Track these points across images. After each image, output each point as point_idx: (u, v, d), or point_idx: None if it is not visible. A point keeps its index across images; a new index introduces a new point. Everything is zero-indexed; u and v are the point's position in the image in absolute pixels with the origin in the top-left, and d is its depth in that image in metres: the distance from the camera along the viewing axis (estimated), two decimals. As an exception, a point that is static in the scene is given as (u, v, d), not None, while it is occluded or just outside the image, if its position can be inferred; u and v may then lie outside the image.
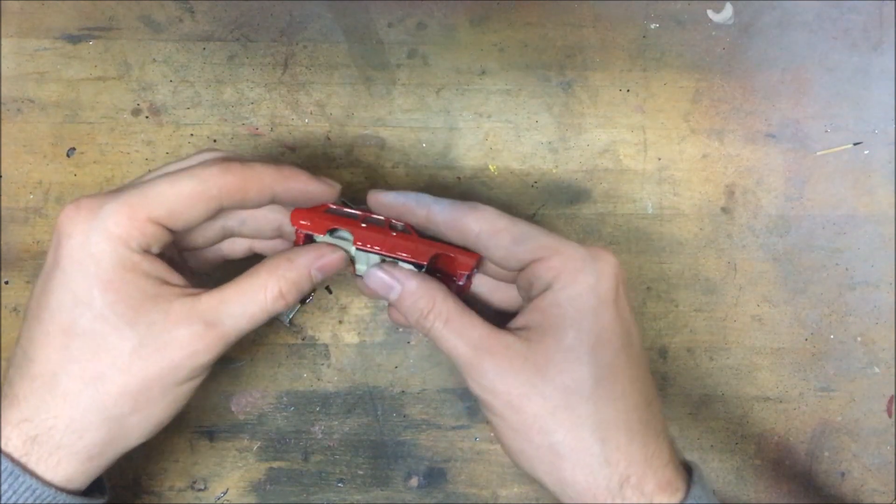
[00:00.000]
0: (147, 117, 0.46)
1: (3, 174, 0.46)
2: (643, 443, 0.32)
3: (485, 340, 0.33)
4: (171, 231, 0.32)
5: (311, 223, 0.36)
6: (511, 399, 0.32)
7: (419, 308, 0.35)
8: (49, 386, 0.31)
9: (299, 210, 0.36)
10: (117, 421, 0.31)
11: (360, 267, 0.37)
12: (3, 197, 0.45)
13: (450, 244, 0.36)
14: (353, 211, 0.37)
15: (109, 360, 0.31)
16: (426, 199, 0.36)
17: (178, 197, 0.32)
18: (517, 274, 0.36)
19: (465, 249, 0.36)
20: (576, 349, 0.32)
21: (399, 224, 0.37)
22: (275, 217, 0.37)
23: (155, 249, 0.32)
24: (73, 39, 0.46)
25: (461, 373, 0.34)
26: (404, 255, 0.36)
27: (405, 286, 0.35)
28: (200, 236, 0.37)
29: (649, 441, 0.32)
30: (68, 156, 0.46)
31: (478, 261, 0.37)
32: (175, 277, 0.33)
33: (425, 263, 0.36)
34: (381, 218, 0.37)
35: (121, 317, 0.31)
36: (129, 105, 0.46)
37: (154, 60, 0.46)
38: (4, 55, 0.46)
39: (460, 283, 0.37)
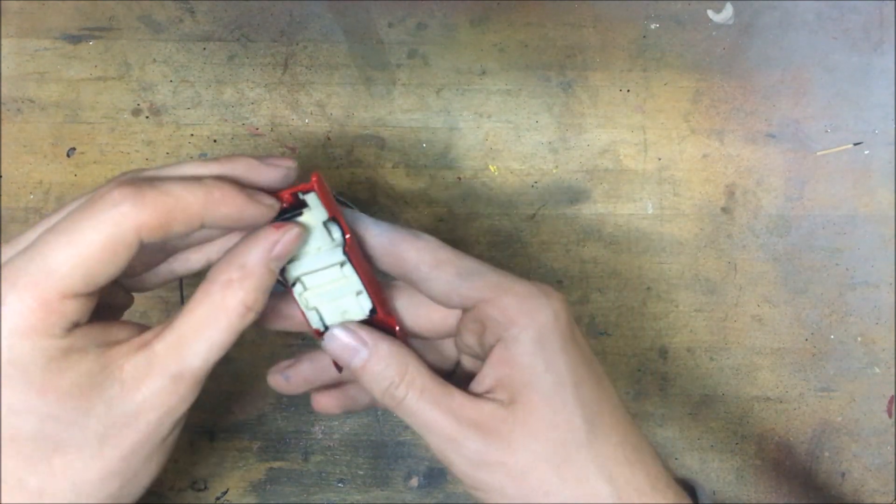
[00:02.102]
0: (147, 117, 0.46)
1: (3, 174, 0.46)
2: (644, 471, 0.30)
3: (466, 411, 0.30)
4: (93, 292, 0.27)
5: (323, 185, 0.31)
6: (509, 471, 0.29)
7: (389, 376, 0.30)
8: (18, 489, 0.26)
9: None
10: (108, 500, 0.28)
11: (311, 299, 0.32)
12: (3, 197, 0.45)
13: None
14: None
15: (76, 453, 0.27)
16: (364, 219, 0.32)
17: (88, 258, 0.25)
18: (456, 322, 0.33)
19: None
20: (560, 395, 0.30)
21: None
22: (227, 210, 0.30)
23: (83, 319, 0.27)
24: (74, 39, 0.46)
25: (440, 451, 0.30)
26: (372, 294, 0.32)
27: (374, 350, 0.31)
28: (138, 265, 0.31)
29: (648, 466, 0.31)
30: (68, 156, 0.46)
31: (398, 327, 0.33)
32: (116, 331, 0.28)
33: (371, 308, 0.32)
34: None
35: (71, 411, 0.26)
36: (130, 105, 0.46)
37: (154, 60, 0.46)
38: (4, 55, 0.46)
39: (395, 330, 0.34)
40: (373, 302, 0.32)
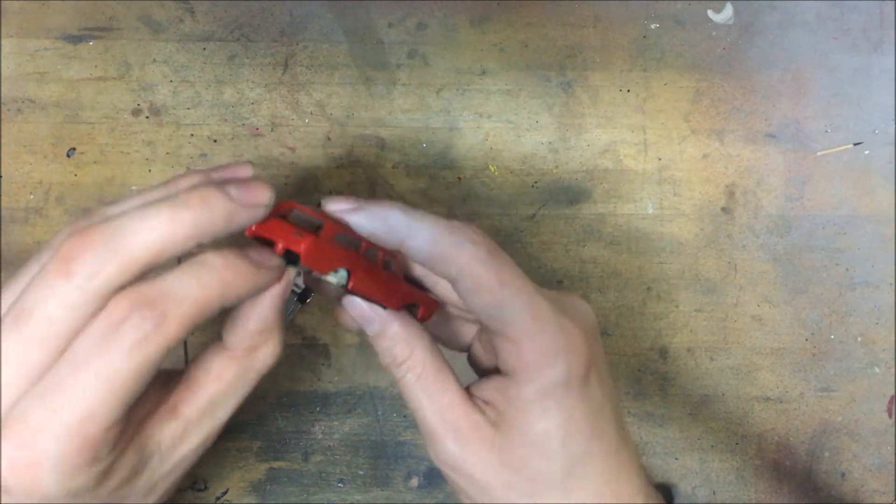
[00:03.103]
0: (147, 117, 0.46)
1: (3, 174, 0.46)
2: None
3: (453, 413, 0.30)
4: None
5: (313, 253, 0.29)
6: (475, 480, 0.30)
7: (394, 354, 0.31)
8: None
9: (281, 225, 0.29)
10: None
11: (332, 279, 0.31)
12: (3, 197, 0.45)
13: (419, 288, 0.33)
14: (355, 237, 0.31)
15: None
16: (399, 227, 0.29)
17: (122, 388, 0.24)
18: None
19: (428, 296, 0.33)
20: (543, 444, 0.29)
21: (391, 262, 0.33)
22: None
23: (121, 432, 0.26)
24: (74, 39, 0.46)
25: (423, 435, 0.31)
26: (380, 300, 0.32)
27: (385, 326, 0.32)
28: None
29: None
30: (68, 156, 0.46)
31: (437, 309, 0.34)
32: (144, 400, 0.28)
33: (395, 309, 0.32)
34: (377, 249, 0.32)
35: (119, 495, 0.27)
36: (130, 105, 0.46)
37: (154, 60, 0.46)
38: (4, 55, 0.46)
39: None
40: (382, 305, 0.32)
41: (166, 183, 0.28)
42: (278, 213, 0.29)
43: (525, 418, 0.30)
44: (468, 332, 0.36)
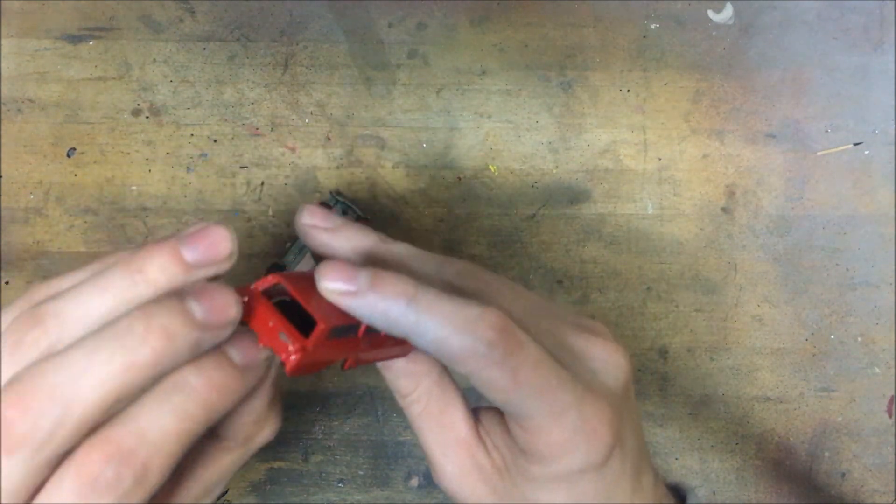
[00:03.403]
0: (147, 117, 0.46)
1: (3, 174, 0.46)
2: None
3: (458, 452, 0.29)
4: None
5: (304, 365, 0.25)
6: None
7: (398, 386, 0.29)
8: None
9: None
10: None
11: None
12: (3, 197, 0.45)
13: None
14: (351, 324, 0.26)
15: None
16: (403, 323, 0.25)
17: None
18: None
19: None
20: None
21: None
22: None
23: None
24: (74, 39, 0.46)
25: (426, 458, 0.30)
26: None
27: (388, 363, 0.30)
28: None
29: None
30: (68, 156, 0.46)
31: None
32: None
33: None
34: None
35: None
36: (130, 105, 0.46)
37: (154, 60, 0.46)
38: (4, 55, 0.46)
39: None
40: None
41: (127, 263, 0.23)
42: (263, 286, 0.25)
43: (531, 488, 0.28)
44: None
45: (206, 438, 0.27)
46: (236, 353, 0.23)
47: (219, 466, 0.28)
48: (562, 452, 0.27)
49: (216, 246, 0.24)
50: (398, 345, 0.28)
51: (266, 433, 0.29)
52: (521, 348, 0.26)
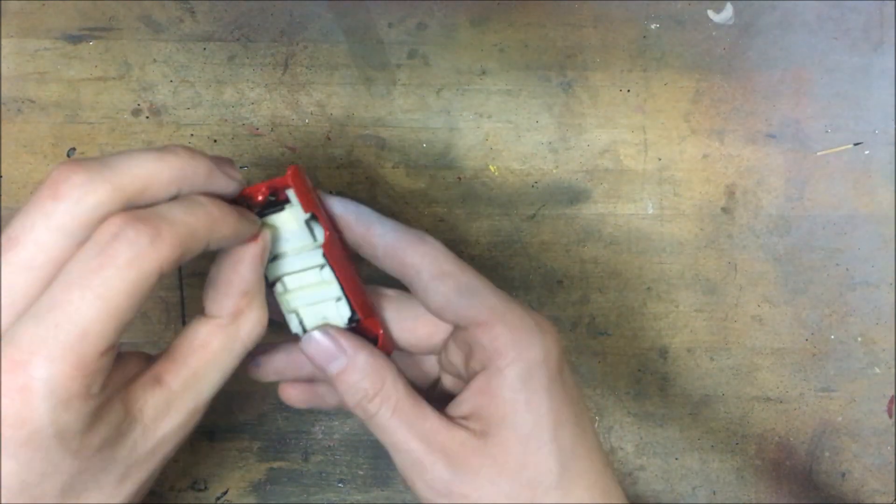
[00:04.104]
0: (147, 117, 0.46)
1: (3, 174, 0.46)
2: None
3: (439, 437, 0.29)
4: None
5: (300, 178, 0.30)
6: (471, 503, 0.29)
7: (364, 388, 0.30)
8: None
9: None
10: None
11: (289, 298, 0.31)
12: (3, 197, 0.45)
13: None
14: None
15: (97, 494, 0.26)
16: (368, 214, 0.31)
17: (118, 308, 0.24)
18: (442, 339, 0.32)
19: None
20: (537, 437, 0.29)
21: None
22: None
23: (111, 367, 0.25)
24: (74, 39, 0.46)
25: (405, 473, 0.30)
26: (355, 303, 0.30)
27: (352, 360, 0.30)
28: None
29: None
30: (68, 156, 0.46)
31: (393, 346, 0.33)
32: (128, 366, 0.27)
33: (359, 318, 0.30)
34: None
35: (99, 462, 0.25)
36: (130, 105, 0.46)
37: (154, 61, 0.46)
38: (4, 55, 0.46)
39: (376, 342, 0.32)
40: (352, 309, 0.31)
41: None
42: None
43: (514, 411, 0.29)
44: (430, 369, 0.35)
45: (197, 320, 0.29)
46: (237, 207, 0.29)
47: (209, 348, 0.28)
48: (523, 340, 0.29)
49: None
50: (357, 280, 0.31)
51: (253, 317, 0.29)
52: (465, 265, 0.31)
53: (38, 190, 0.24)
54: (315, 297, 0.31)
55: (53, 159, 0.46)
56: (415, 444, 0.29)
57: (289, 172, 0.29)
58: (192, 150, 0.27)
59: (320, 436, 0.45)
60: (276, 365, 0.34)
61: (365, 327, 0.31)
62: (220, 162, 0.28)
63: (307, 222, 0.30)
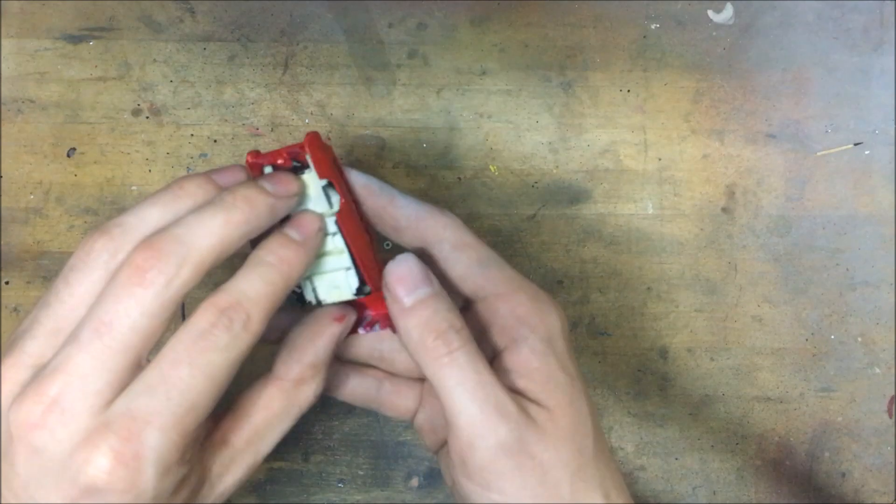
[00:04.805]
0: (147, 117, 0.46)
1: (3, 174, 0.46)
2: (627, 499, 0.31)
3: (507, 393, 0.28)
4: None
5: (318, 144, 0.30)
6: (535, 465, 0.28)
7: (449, 320, 0.29)
8: None
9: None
10: None
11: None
12: (3, 197, 0.45)
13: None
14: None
15: None
16: (390, 189, 0.32)
17: (215, 383, 0.26)
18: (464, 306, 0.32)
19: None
20: (577, 400, 0.29)
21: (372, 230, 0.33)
22: None
23: None
24: (74, 40, 0.46)
25: (473, 424, 0.28)
26: (364, 270, 0.30)
27: (440, 291, 0.29)
28: None
29: (629, 497, 0.31)
30: (69, 156, 0.46)
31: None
32: (200, 427, 0.28)
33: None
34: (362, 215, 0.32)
35: None
36: (130, 105, 0.46)
37: (154, 61, 0.46)
38: (4, 55, 0.46)
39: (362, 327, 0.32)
40: (361, 279, 0.30)
41: (169, 186, 0.29)
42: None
43: (550, 374, 0.29)
44: (412, 395, 0.35)
45: (262, 379, 0.30)
46: (294, 232, 0.29)
47: (271, 408, 0.29)
48: (543, 310, 0.30)
49: (237, 175, 0.30)
50: (371, 249, 0.31)
51: (313, 386, 0.30)
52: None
53: (121, 272, 0.26)
54: (327, 266, 0.31)
55: (53, 159, 0.46)
56: (499, 389, 0.28)
57: (306, 138, 0.30)
58: (249, 197, 0.27)
59: (320, 436, 0.45)
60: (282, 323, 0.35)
61: (371, 303, 0.31)
62: (274, 184, 0.29)
63: (324, 189, 0.31)
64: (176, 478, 0.25)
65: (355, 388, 0.34)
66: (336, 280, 0.31)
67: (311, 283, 0.32)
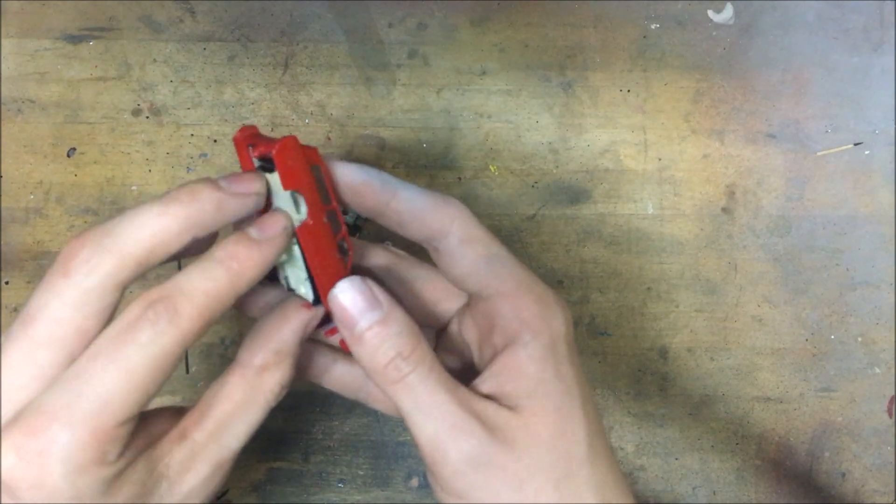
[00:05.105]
0: (147, 117, 0.46)
1: (3, 174, 0.46)
2: (626, 494, 0.30)
3: (472, 403, 0.28)
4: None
5: (289, 151, 0.28)
6: (507, 477, 0.28)
7: (398, 346, 0.28)
8: None
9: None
10: None
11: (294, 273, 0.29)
12: (3, 197, 0.45)
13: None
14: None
15: None
16: (393, 181, 0.30)
17: (140, 382, 0.24)
18: (450, 307, 0.32)
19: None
20: (568, 408, 0.28)
21: (346, 248, 0.31)
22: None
23: (130, 436, 0.26)
24: (74, 39, 0.46)
25: (436, 441, 0.28)
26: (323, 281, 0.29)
27: (390, 313, 0.28)
28: None
29: (631, 498, 0.30)
30: (69, 156, 0.46)
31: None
32: (155, 424, 0.27)
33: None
34: (339, 224, 0.30)
35: None
36: (130, 105, 0.46)
37: (154, 61, 0.46)
38: (4, 55, 0.46)
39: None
40: (316, 294, 0.29)
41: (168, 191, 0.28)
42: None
43: (545, 382, 0.28)
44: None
45: (226, 370, 0.29)
46: (255, 230, 0.27)
47: (232, 398, 0.28)
48: (549, 313, 0.29)
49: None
50: (335, 261, 0.29)
51: (277, 375, 0.29)
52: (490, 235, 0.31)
53: (50, 268, 0.25)
54: (293, 268, 0.30)
55: (53, 159, 0.46)
56: (451, 407, 0.28)
57: (277, 144, 0.28)
58: (194, 189, 0.26)
59: (320, 436, 0.45)
60: (268, 299, 0.34)
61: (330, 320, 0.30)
62: (231, 181, 0.27)
63: (293, 195, 0.29)
64: (99, 478, 0.24)
65: (343, 374, 0.33)
66: (302, 276, 0.30)
67: (284, 269, 0.31)
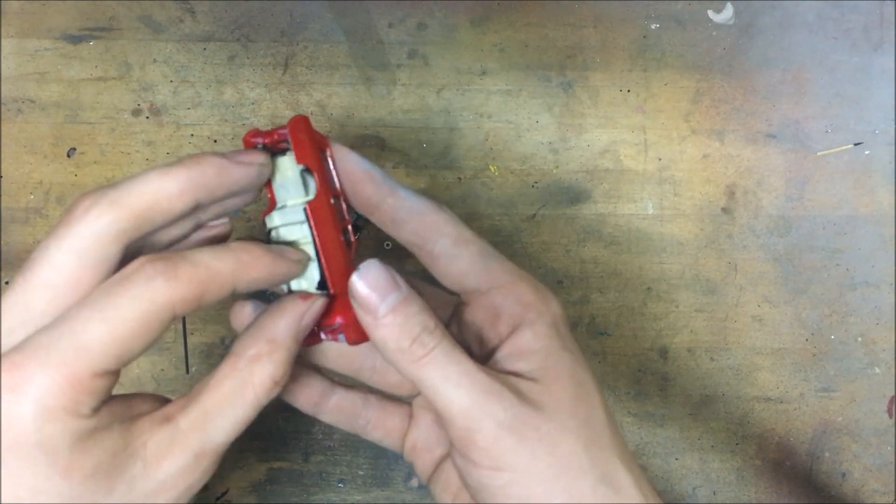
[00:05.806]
0: (148, 118, 0.46)
1: (3, 174, 0.46)
2: (643, 475, 0.30)
3: (494, 376, 0.28)
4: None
5: (302, 128, 0.29)
6: (542, 437, 0.28)
7: (422, 322, 0.28)
8: None
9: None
10: None
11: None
12: (3, 197, 0.45)
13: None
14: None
15: None
16: (392, 180, 0.31)
17: (122, 335, 0.24)
18: (461, 307, 0.32)
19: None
20: (581, 377, 0.29)
21: (349, 234, 0.31)
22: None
23: (109, 394, 0.25)
24: (74, 39, 0.46)
25: (469, 411, 0.27)
26: (327, 271, 0.29)
27: (409, 293, 0.28)
28: (165, 237, 0.29)
29: (642, 470, 0.31)
30: (69, 156, 0.46)
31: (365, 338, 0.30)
32: (139, 404, 0.27)
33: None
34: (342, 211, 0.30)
35: (93, 492, 0.25)
36: (130, 105, 0.46)
37: (154, 61, 0.46)
38: (5, 55, 0.46)
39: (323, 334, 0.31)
40: (322, 275, 0.29)
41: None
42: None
43: (552, 352, 0.29)
44: (400, 413, 0.35)
45: (220, 364, 0.29)
46: (285, 252, 0.29)
47: (221, 389, 0.28)
48: (543, 298, 0.31)
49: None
50: (342, 250, 0.30)
51: (269, 367, 0.29)
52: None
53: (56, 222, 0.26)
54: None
55: (53, 159, 0.46)
56: (483, 375, 0.28)
57: (291, 120, 0.29)
58: (199, 155, 0.27)
59: (320, 436, 0.45)
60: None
61: (336, 308, 0.30)
62: (235, 153, 0.28)
63: (302, 174, 0.29)
64: (68, 427, 0.24)
65: (341, 401, 0.33)
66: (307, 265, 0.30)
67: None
